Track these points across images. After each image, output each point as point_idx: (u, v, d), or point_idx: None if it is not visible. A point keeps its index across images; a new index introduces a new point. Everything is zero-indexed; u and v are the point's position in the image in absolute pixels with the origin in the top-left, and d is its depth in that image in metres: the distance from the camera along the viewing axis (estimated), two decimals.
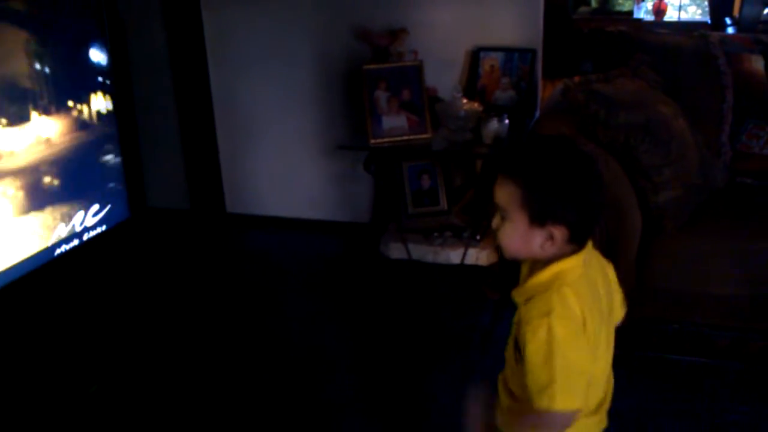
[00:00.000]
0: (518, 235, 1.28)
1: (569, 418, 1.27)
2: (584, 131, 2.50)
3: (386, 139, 3.02)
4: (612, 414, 2.21)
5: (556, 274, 1.28)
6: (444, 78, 3.22)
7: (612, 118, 2.45)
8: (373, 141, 3.02)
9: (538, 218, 1.26)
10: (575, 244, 1.30)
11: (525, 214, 1.26)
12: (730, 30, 5.04)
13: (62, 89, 2.76)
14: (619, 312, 1.44)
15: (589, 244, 1.33)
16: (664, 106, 2.62)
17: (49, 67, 2.69)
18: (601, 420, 1.41)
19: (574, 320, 1.25)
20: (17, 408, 2.35)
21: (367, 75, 3.04)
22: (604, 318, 1.35)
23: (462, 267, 3.07)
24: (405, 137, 3.03)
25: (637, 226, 2.38)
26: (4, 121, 2.50)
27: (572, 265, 1.29)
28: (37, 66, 2.64)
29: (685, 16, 6.12)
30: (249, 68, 3.58)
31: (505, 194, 1.28)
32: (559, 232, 1.26)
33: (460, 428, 1.48)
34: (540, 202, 1.25)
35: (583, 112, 2.54)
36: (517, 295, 1.34)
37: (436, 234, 3.15)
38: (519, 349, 1.31)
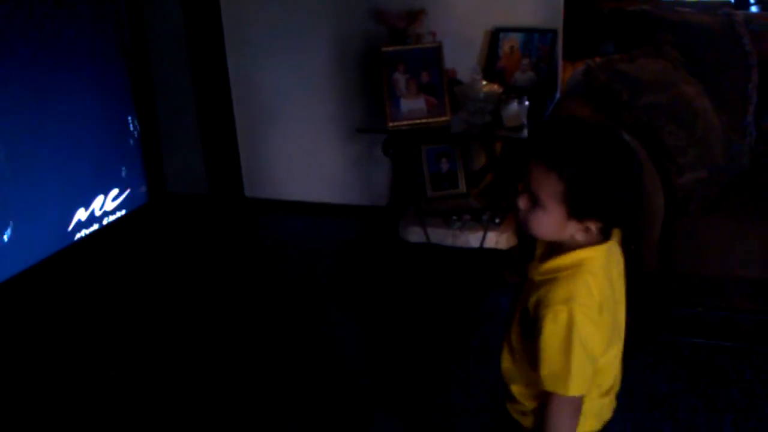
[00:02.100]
0: (552, 224, 1.26)
1: (578, 402, 1.28)
2: (606, 112, 2.46)
3: (405, 122, 3.00)
4: (637, 397, 2.21)
5: (581, 260, 1.26)
6: (463, 59, 3.18)
7: (635, 99, 2.41)
8: (391, 124, 3.00)
9: (577, 214, 1.24)
10: (606, 234, 1.29)
11: (564, 208, 1.23)
12: (754, 9, 4.94)
13: (82, 74, 2.77)
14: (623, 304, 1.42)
15: (614, 238, 1.32)
16: (688, 86, 2.57)
17: (69, 52, 2.70)
18: (611, 401, 1.41)
19: (593, 309, 1.24)
20: (35, 393, 2.38)
21: (386, 57, 3.02)
22: (617, 307, 1.34)
23: (481, 250, 3.05)
24: (424, 120, 3.00)
25: (661, 208, 2.34)
26: (25, 104, 2.51)
27: (598, 254, 1.28)
28: (57, 50, 2.64)
29: None
30: (266, 52, 3.56)
31: (544, 185, 1.23)
32: (594, 225, 1.25)
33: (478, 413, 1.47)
34: (583, 200, 1.22)
35: (605, 93, 2.50)
36: (536, 273, 1.32)
37: (455, 217, 3.14)
38: (524, 323, 1.31)
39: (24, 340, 2.54)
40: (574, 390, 1.25)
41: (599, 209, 1.24)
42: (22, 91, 2.51)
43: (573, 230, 1.26)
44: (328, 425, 2.26)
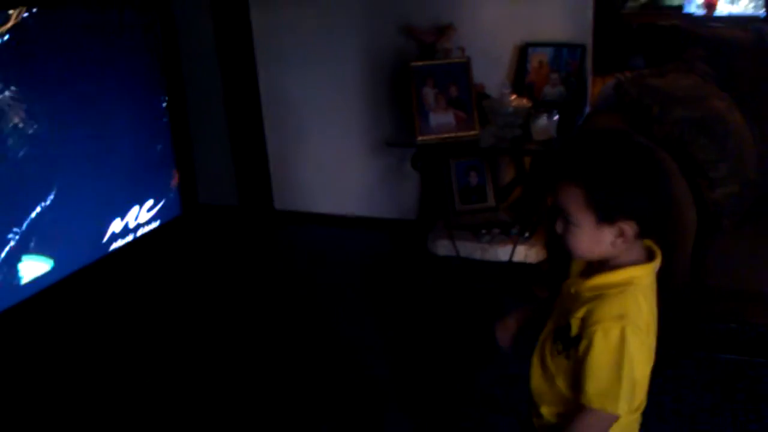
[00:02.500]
0: (587, 237, 1.26)
1: (613, 419, 1.28)
2: (637, 127, 2.46)
3: (434, 136, 3.02)
4: (669, 414, 2.19)
5: (631, 277, 1.27)
6: (492, 74, 3.20)
7: (666, 114, 2.41)
8: (420, 138, 3.02)
9: (605, 217, 1.24)
10: (644, 241, 1.29)
11: (591, 215, 1.24)
12: None
13: (117, 87, 2.82)
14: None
15: (658, 260, 1.31)
16: (719, 100, 2.56)
17: (102, 65, 2.75)
18: (638, 418, 1.40)
19: (642, 328, 1.25)
20: (67, 398, 2.42)
21: (415, 72, 3.04)
22: (653, 328, 1.33)
23: (510, 264, 3.05)
24: (452, 134, 3.02)
25: (693, 223, 2.33)
26: (63, 118, 2.56)
27: (646, 272, 1.29)
28: (93, 65, 2.71)
29: (736, 10, 5.96)
30: (297, 65, 3.61)
31: (567, 198, 1.26)
32: (629, 227, 1.24)
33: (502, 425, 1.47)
34: (604, 200, 1.23)
35: (635, 108, 2.50)
36: (578, 286, 1.31)
37: (483, 231, 3.14)
38: (563, 340, 1.30)
39: (60, 347, 2.59)
40: (622, 408, 1.24)
41: (623, 206, 1.23)
42: (64, 103, 2.57)
43: (609, 237, 1.25)
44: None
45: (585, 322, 1.26)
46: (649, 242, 1.33)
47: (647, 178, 1.25)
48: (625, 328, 1.21)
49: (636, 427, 1.40)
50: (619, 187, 1.23)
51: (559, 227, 1.30)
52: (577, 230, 1.27)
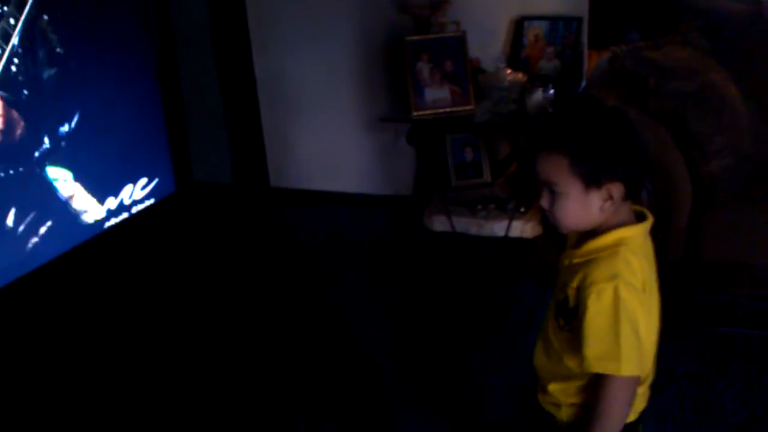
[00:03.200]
0: (576, 206, 1.25)
1: (634, 385, 1.26)
2: (632, 100, 2.45)
3: (429, 111, 3.01)
4: (669, 388, 2.19)
5: (620, 239, 1.26)
6: (487, 48, 3.18)
7: (662, 86, 2.40)
8: (415, 113, 3.01)
9: (592, 180, 1.23)
10: (632, 202, 1.29)
11: (578, 181, 1.23)
12: None
13: (108, 66, 2.80)
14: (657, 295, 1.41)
15: (649, 222, 1.31)
16: (715, 73, 2.55)
17: (95, 44, 2.73)
18: (645, 392, 1.39)
19: (637, 286, 1.24)
20: (62, 378, 2.43)
21: (410, 47, 3.03)
22: (654, 293, 1.33)
23: (506, 240, 3.06)
24: (448, 109, 3.01)
25: (688, 196, 2.33)
26: (60, 97, 2.55)
27: (635, 233, 1.28)
28: (84, 43, 2.68)
29: None
30: (291, 42, 3.58)
31: (550, 168, 1.25)
32: (616, 189, 1.24)
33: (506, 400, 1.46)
34: (590, 163, 1.23)
35: (631, 81, 2.49)
36: (573, 257, 1.31)
37: (479, 206, 3.14)
38: (564, 314, 1.30)
39: (55, 326, 2.59)
40: (626, 369, 1.22)
41: (609, 167, 1.23)
42: (56, 85, 2.56)
43: (597, 202, 1.25)
44: (356, 411, 2.28)
45: (579, 290, 1.25)
46: (640, 208, 1.33)
47: (626, 137, 1.26)
48: (618, 286, 1.21)
49: (643, 400, 1.38)
50: (603, 148, 1.23)
51: (545, 202, 1.29)
52: (564, 200, 1.26)
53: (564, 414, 1.38)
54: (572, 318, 1.27)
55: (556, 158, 1.24)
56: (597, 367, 1.24)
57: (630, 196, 1.27)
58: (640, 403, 1.39)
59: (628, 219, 1.29)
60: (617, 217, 1.28)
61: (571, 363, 1.31)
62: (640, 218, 1.31)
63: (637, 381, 1.26)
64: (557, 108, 1.55)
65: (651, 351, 1.35)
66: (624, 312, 1.21)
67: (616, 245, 1.25)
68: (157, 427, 2.25)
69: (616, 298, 1.21)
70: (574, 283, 1.27)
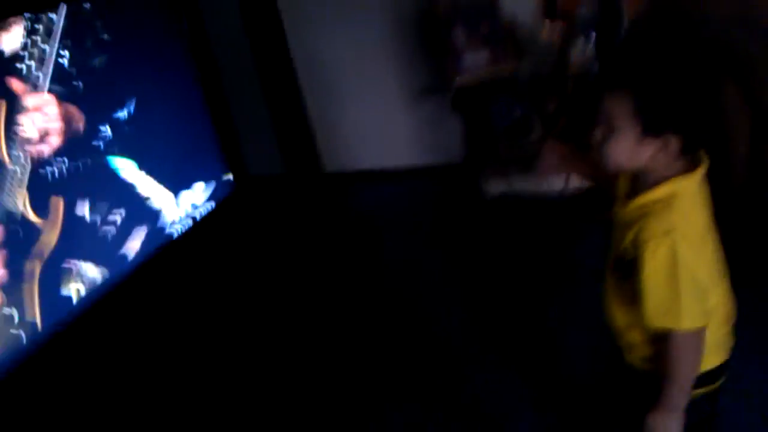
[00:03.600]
0: (628, 146, 1.23)
1: (699, 336, 1.24)
2: (678, 34, 2.38)
3: (470, 77, 2.98)
4: (746, 326, 2.15)
5: (674, 191, 1.23)
6: (522, 4, 3.13)
7: (708, 15, 2.32)
8: (457, 80, 2.98)
9: (653, 127, 1.20)
10: (687, 156, 1.24)
11: (637, 124, 1.20)
12: None
13: (147, 77, 2.83)
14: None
15: (705, 167, 1.26)
16: None
17: (135, 56, 2.77)
18: (731, 331, 1.38)
19: (696, 238, 1.22)
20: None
21: (443, 14, 3.00)
22: (714, 235, 1.31)
23: (565, 193, 3.02)
24: (489, 71, 2.97)
25: (746, 123, 2.26)
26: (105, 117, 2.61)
27: (691, 182, 1.25)
28: (125, 57, 2.72)
29: None
30: (325, 25, 3.59)
31: (614, 104, 1.22)
32: (674, 141, 1.21)
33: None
34: (656, 109, 1.19)
35: (674, 14, 2.41)
36: (625, 212, 1.29)
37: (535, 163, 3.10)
38: (623, 269, 1.29)
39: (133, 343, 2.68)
40: (687, 323, 1.22)
41: (673, 118, 1.20)
42: (99, 101, 2.61)
43: (651, 150, 1.22)
44: (437, 382, 2.32)
45: (635, 244, 1.24)
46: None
47: (704, 93, 1.21)
48: (675, 240, 1.19)
49: (730, 340, 1.37)
50: (674, 99, 1.19)
51: (598, 135, 1.26)
52: (619, 138, 1.23)
53: (642, 363, 1.38)
54: (631, 271, 1.26)
55: (624, 95, 1.21)
56: (658, 321, 1.24)
57: (687, 151, 1.24)
58: (728, 342, 1.38)
59: (680, 169, 1.25)
60: (671, 168, 1.24)
61: (635, 314, 1.30)
62: (694, 163, 1.27)
63: (702, 332, 1.25)
64: (641, 41, 1.49)
65: (726, 295, 1.34)
66: (682, 266, 1.19)
67: (670, 197, 1.23)
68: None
69: (673, 253, 1.19)
70: (630, 236, 1.25)
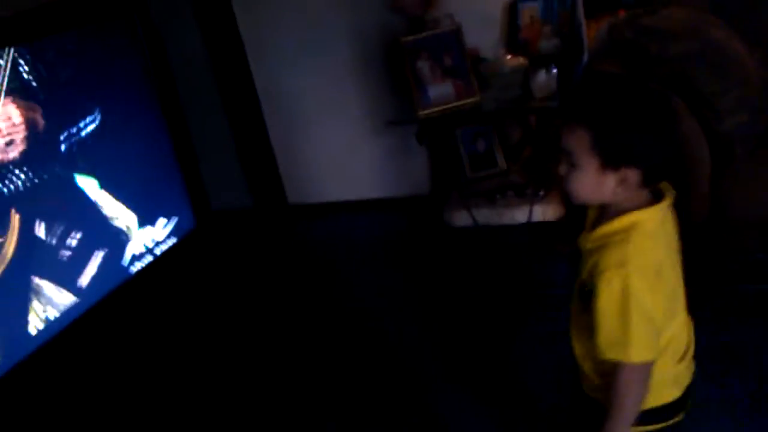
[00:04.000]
0: (589, 181, 1.24)
1: (646, 370, 1.26)
2: (636, 68, 2.42)
3: (435, 109, 2.99)
4: (709, 351, 2.17)
5: (633, 222, 1.25)
6: (484, 36, 3.16)
7: (664, 51, 2.37)
8: (421, 112, 2.99)
9: (610, 161, 1.22)
10: (648, 189, 1.26)
11: (596, 158, 1.22)
12: None
13: (111, 111, 2.79)
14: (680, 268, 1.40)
15: (668, 200, 1.29)
16: (717, 30, 2.50)
17: (92, 90, 2.73)
18: (688, 366, 1.39)
19: (649, 272, 1.23)
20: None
21: (407, 47, 3.01)
22: (677, 269, 1.32)
23: (529, 225, 3.03)
24: (453, 103, 2.99)
25: (706, 157, 2.30)
26: (63, 148, 2.57)
27: (650, 216, 1.26)
28: (82, 89, 2.69)
29: None
30: (288, 57, 3.58)
31: (573, 140, 1.24)
32: (633, 174, 1.22)
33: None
34: (612, 144, 1.21)
35: (632, 49, 2.45)
36: (587, 242, 1.31)
37: (498, 196, 3.12)
38: (583, 299, 1.30)
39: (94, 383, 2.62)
40: (636, 356, 1.23)
41: (629, 153, 1.21)
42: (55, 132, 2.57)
43: (611, 184, 1.23)
44: (397, 404, 2.30)
45: (591, 275, 1.26)
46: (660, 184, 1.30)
47: (659, 126, 1.22)
48: (629, 275, 1.20)
49: (687, 376, 1.38)
50: (629, 133, 1.21)
51: (562, 169, 1.28)
52: (580, 173, 1.25)
53: (592, 392, 1.40)
54: (590, 301, 1.27)
55: (581, 132, 1.23)
56: (608, 352, 1.25)
57: (647, 183, 1.25)
58: (685, 378, 1.39)
59: (643, 202, 1.27)
60: (632, 200, 1.26)
61: (590, 344, 1.32)
62: (657, 197, 1.29)
63: (649, 366, 1.26)
64: (596, 79, 1.53)
65: (683, 329, 1.34)
66: (634, 300, 1.20)
67: (629, 230, 1.24)
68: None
69: (626, 286, 1.20)
70: (589, 267, 1.28)
